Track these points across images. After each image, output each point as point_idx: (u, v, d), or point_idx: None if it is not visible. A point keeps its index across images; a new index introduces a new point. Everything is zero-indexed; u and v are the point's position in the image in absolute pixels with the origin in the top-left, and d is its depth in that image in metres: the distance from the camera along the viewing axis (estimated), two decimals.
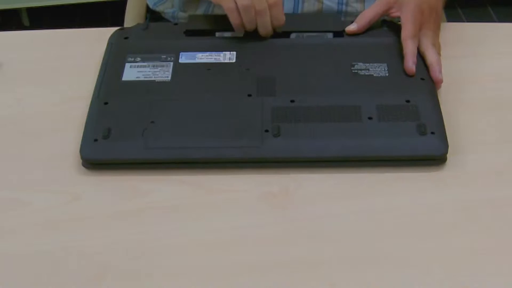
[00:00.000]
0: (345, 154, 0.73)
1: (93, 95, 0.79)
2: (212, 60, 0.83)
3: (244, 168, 0.73)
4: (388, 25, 0.88)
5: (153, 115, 0.76)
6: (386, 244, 0.67)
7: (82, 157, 0.74)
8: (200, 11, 1.01)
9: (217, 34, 0.88)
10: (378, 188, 0.72)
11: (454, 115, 0.79)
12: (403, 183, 0.72)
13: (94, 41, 0.90)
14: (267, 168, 0.74)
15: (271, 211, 0.70)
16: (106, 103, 0.78)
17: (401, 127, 0.74)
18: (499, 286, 0.64)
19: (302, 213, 0.70)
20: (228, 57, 0.84)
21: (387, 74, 0.81)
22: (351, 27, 0.87)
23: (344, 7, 0.99)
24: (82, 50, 0.90)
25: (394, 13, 0.87)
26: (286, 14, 0.85)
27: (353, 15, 0.93)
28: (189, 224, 0.69)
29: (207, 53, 0.84)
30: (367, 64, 0.82)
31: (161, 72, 0.82)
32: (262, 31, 0.85)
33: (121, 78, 0.81)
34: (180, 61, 0.83)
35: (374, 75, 0.81)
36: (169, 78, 0.81)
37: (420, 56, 0.82)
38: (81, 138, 0.75)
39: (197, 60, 0.83)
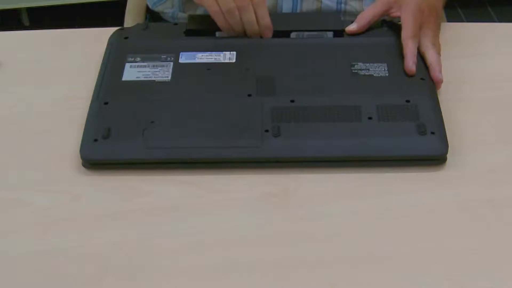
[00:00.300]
0: (345, 154, 0.73)
1: (93, 95, 0.79)
2: (212, 60, 0.83)
3: (244, 168, 0.73)
4: (388, 25, 0.88)
5: (153, 115, 0.76)
6: (386, 244, 0.67)
7: (82, 157, 0.74)
8: (199, 11, 1.01)
9: (217, 34, 0.88)
10: (378, 188, 0.72)
11: (454, 115, 0.79)
12: (403, 183, 0.72)
13: (94, 41, 0.90)
14: (267, 168, 0.74)
15: (271, 211, 0.70)
16: (106, 103, 0.78)
17: (401, 127, 0.74)
18: (499, 286, 0.64)
19: (302, 213, 0.70)
20: (228, 57, 0.84)
21: (387, 74, 0.81)
22: (351, 27, 0.87)
23: (343, 6, 0.99)
24: (82, 50, 0.90)
25: (394, 13, 0.87)
26: (286, 13, 0.85)
27: (352, 14, 0.93)
28: (189, 224, 0.69)
29: (207, 53, 0.84)
30: (367, 64, 0.82)
31: (161, 72, 0.82)
32: (248, 28, 0.85)
33: (121, 78, 0.81)
34: (180, 61, 0.83)
35: (374, 75, 0.81)
36: (169, 78, 0.81)
37: (420, 56, 0.82)
38: (81, 138, 0.75)
39: (197, 60, 0.83)
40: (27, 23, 2.24)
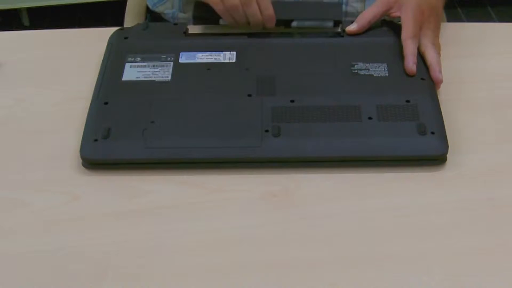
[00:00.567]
0: (345, 154, 0.73)
1: (93, 95, 0.79)
2: (212, 60, 0.83)
3: (244, 168, 0.73)
4: (388, 25, 0.88)
5: (153, 115, 0.76)
6: (386, 244, 0.67)
7: (82, 157, 0.74)
8: None
9: (221, 21, 0.90)
10: (378, 188, 0.72)
11: (454, 115, 0.79)
12: (403, 183, 0.72)
13: (94, 41, 0.90)
14: (267, 168, 0.74)
15: (271, 211, 0.70)
16: (106, 103, 0.78)
17: (401, 127, 0.74)
18: (499, 286, 0.64)
19: (302, 213, 0.70)
20: (228, 57, 0.84)
21: (387, 74, 0.81)
22: (352, 27, 0.87)
23: (344, 7, 0.99)
24: (82, 50, 0.90)
25: (394, 13, 0.87)
26: (287, 2, 0.87)
27: (354, 15, 0.93)
28: (189, 224, 0.69)
29: (207, 53, 0.84)
30: (367, 64, 0.82)
31: (161, 72, 0.82)
32: (252, 20, 0.87)
33: (121, 78, 0.81)
34: (180, 61, 0.83)
35: (374, 75, 0.81)
36: (169, 78, 0.81)
37: (420, 56, 0.82)
38: (81, 138, 0.75)
39: (197, 60, 0.83)
40: (27, 23, 2.24)
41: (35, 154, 0.76)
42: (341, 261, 0.65)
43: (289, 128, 0.74)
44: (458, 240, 0.67)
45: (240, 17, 0.87)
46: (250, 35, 0.88)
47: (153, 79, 0.81)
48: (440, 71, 0.81)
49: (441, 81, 0.81)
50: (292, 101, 0.77)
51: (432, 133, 0.74)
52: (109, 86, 0.80)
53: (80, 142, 0.74)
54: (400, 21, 0.85)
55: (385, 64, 0.82)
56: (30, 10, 2.24)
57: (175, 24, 0.93)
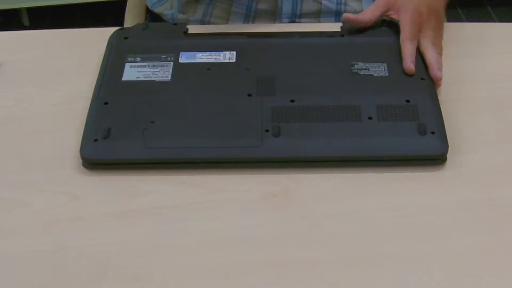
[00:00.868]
0: (345, 153, 0.73)
1: (93, 95, 0.79)
2: (212, 60, 0.83)
3: (244, 168, 0.73)
4: (388, 24, 0.88)
5: (153, 115, 0.76)
6: (386, 244, 0.67)
7: (82, 157, 0.74)
8: (198, 13, 1.01)
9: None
10: (378, 188, 0.72)
11: (454, 115, 0.79)
12: (403, 183, 0.72)
13: (94, 41, 0.90)
14: (267, 168, 0.74)
15: (271, 211, 0.70)
16: (106, 103, 0.78)
17: (401, 127, 0.74)
18: (499, 286, 0.64)
19: (302, 213, 0.70)
20: (228, 57, 0.84)
21: (387, 74, 0.81)
22: (351, 15, 0.86)
23: (342, 6, 0.99)
24: (82, 50, 0.90)
25: (392, 15, 0.87)
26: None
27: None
28: (189, 224, 0.69)
29: (207, 53, 0.84)
30: (367, 64, 0.82)
31: (161, 72, 0.82)
32: None
33: (121, 78, 0.81)
34: (180, 61, 0.83)
35: (374, 74, 0.81)
36: (169, 78, 0.81)
37: (420, 56, 0.82)
38: (81, 138, 0.75)
39: (197, 60, 0.83)
40: (27, 23, 2.24)
41: (35, 154, 0.76)
42: (341, 261, 0.65)
43: (289, 128, 0.74)
44: (458, 240, 0.67)
45: None
46: (250, 35, 0.88)
47: (153, 79, 0.81)
48: (439, 69, 0.81)
49: (440, 79, 0.81)
50: (292, 101, 0.77)
51: (432, 133, 0.74)
52: (109, 86, 0.80)
53: (80, 142, 0.74)
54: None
55: (385, 64, 0.82)
56: (30, 10, 2.24)
57: (175, 24, 0.93)
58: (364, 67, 0.81)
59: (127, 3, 1.15)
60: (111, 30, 0.90)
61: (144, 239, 0.67)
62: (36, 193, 0.72)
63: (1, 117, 0.81)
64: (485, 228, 0.68)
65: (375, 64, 0.82)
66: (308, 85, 0.79)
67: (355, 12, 0.91)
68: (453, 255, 0.66)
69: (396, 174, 0.73)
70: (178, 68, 0.82)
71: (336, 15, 1.00)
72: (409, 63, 0.80)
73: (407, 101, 0.77)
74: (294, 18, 1.00)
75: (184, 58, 0.84)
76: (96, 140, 0.74)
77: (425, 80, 0.80)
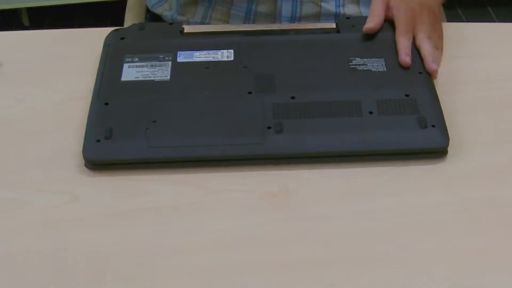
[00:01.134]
0: (348, 148, 0.73)
1: (93, 96, 0.79)
2: (210, 59, 0.83)
3: (246, 166, 0.73)
4: (385, 20, 0.88)
5: (154, 114, 0.76)
6: (386, 244, 0.67)
7: (85, 158, 0.73)
8: (198, 15, 1.01)
9: None
10: (379, 187, 0.72)
11: (454, 115, 0.79)
12: (403, 183, 0.72)
13: (94, 41, 0.90)
14: (268, 165, 0.73)
15: (271, 211, 0.70)
16: (106, 104, 0.78)
17: (402, 121, 0.74)
18: (499, 286, 0.64)
19: (302, 213, 0.70)
20: (226, 55, 0.83)
21: (385, 69, 0.81)
22: (369, 25, 0.85)
23: (341, 9, 0.99)
24: (82, 50, 0.90)
25: (387, 15, 0.87)
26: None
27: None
28: (189, 224, 0.69)
29: (205, 52, 0.84)
30: (365, 59, 0.82)
31: (160, 72, 0.82)
32: None
33: (120, 79, 0.81)
34: (178, 60, 0.83)
35: (372, 70, 0.81)
36: (168, 78, 0.81)
37: (417, 50, 0.83)
38: (81, 138, 0.75)
39: (195, 59, 0.83)
40: (27, 23, 2.24)
41: (35, 154, 0.76)
42: (341, 261, 0.65)
43: (291, 124, 0.74)
44: (458, 240, 0.67)
45: None
46: (247, 33, 0.88)
47: (152, 79, 0.81)
48: (434, 61, 0.81)
49: (435, 71, 0.81)
50: (293, 97, 0.77)
51: (433, 126, 0.74)
52: (108, 87, 0.80)
53: (80, 142, 0.74)
54: None
55: (382, 59, 0.82)
56: (30, 10, 2.23)
57: (171, 23, 0.92)
58: (362, 63, 0.82)
59: (127, 4, 1.15)
60: (110, 30, 0.89)
61: (144, 239, 0.67)
62: (36, 193, 0.72)
63: (1, 117, 0.81)
64: (485, 228, 0.68)
65: (373, 60, 0.82)
66: (308, 82, 0.79)
67: (354, 15, 0.91)
68: (453, 255, 0.66)
69: (397, 173, 0.73)
70: (177, 68, 0.82)
71: (336, 17, 1.00)
72: (404, 56, 0.81)
73: (406, 95, 0.77)
74: (293, 21, 1.00)
75: (182, 57, 0.84)
76: (98, 141, 0.74)
77: (423, 74, 0.80)
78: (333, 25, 0.89)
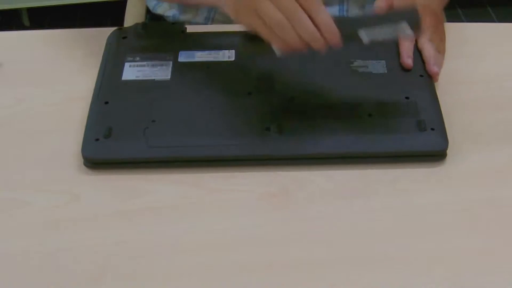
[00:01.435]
0: (347, 150, 0.73)
1: (93, 95, 0.79)
2: (211, 59, 0.83)
3: (246, 166, 0.73)
4: None
5: (154, 114, 0.76)
6: (386, 244, 0.67)
7: (84, 157, 0.73)
8: (201, 15, 1.01)
9: (276, 51, 0.73)
10: (379, 188, 0.72)
11: (454, 115, 0.79)
12: (403, 183, 0.72)
13: (94, 41, 0.90)
14: (268, 165, 0.73)
15: (271, 211, 0.70)
16: (106, 103, 0.78)
17: (401, 124, 0.74)
18: (499, 286, 0.64)
19: (302, 213, 0.70)
20: (227, 55, 0.84)
21: (385, 71, 0.81)
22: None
23: (346, 14, 0.99)
24: (82, 50, 0.90)
25: None
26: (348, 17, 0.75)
27: None
28: (189, 224, 0.69)
29: (206, 52, 0.84)
30: (366, 61, 0.82)
31: (161, 71, 0.82)
32: (308, 38, 0.69)
33: (121, 78, 0.81)
34: (179, 60, 0.83)
35: (373, 72, 0.81)
36: (169, 77, 0.81)
37: (419, 53, 0.83)
38: (81, 138, 0.75)
39: (196, 59, 0.83)
40: (27, 23, 2.24)
41: (35, 154, 0.76)
42: (341, 261, 0.65)
43: (290, 125, 0.74)
44: (458, 240, 0.67)
45: (290, 36, 0.68)
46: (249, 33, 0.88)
47: (153, 78, 0.81)
48: (435, 64, 0.81)
49: (437, 74, 0.81)
50: (292, 98, 0.77)
51: (432, 129, 0.74)
52: (109, 86, 0.80)
53: (80, 142, 0.74)
54: None
55: (383, 61, 0.82)
56: (30, 10, 2.23)
57: (173, 23, 0.92)
58: (363, 65, 0.82)
59: (127, 3, 1.15)
60: (110, 30, 0.90)
61: (144, 239, 0.67)
62: (36, 193, 0.72)
63: (1, 117, 0.81)
64: (485, 228, 0.68)
65: (374, 62, 0.82)
66: (308, 83, 0.79)
67: None
68: (453, 255, 0.66)
69: (396, 173, 0.73)
70: (178, 67, 0.82)
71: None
72: (406, 58, 0.81)
73: (407, 98, 0.77)
74: None
75: (183, 57, 0.84)
76: (97, 139, 0.74)
77: (424, 77, 0.80)
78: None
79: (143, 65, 0.82)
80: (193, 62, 0.83)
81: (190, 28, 0.90)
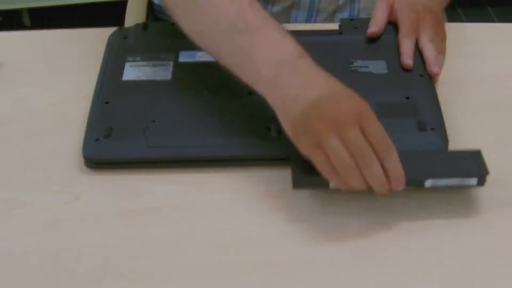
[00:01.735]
0: None
1: (94, 95, 0.79)
2: (212, 59, 0.83)
3: (246, 166, 0.73)
4: (388, 22, 0.88)
5: (154, 114, 0.76)
6: (386, 244, 0.67)
7: (84, 156, 0.73)
8: None
9: (331, 185, 0.67)
10: None
11: (454, 115, 0.79)
12: None
13: (94, 41, 0.90)
14: (268, 165, 0.73)
15: (271, 211, 0.70)
16: (107, 103, 0.78)
17: (401, 124, 0.74)
18: (499, 286, 0.64)
19: (301, 213, 0.70)
20: None
21: (386, 71, 0.81)
22: (372, 29, 0.85)
23: (356, 3, 0.99)
24: (82, 50, 0.90)
25: (391, 17, 0.87)
26: (416, 154, 0.70)
27: (366, 10, 0.94)
28: (189, 224, 0.69)
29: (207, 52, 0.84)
30: (366, 61, 0.82)
31: (161, 71, 0.82)
32: (374, 183, 0.65)
33: (122, 78, 0.81)
34: (180, 60, 0.83)
35: (373, 72, 0.81)
36: (169, 77, 0.81)
37: (419, 53, 0.83)
38: (81, 138, 0.75)
39: (197, 59, 0.83)
40: (28, 24, 2.24)
41: (36, 154, 0.76)
42: (341, 261, 0.65)
43: None
44: (458, 240, 0.67)
45: (356, 180, 0.64)
46: None
47: (153, 78, 0.81)
48: (436, 64, 0.81)
49: (437, 74, 0.81)
50: None
51: (432, 129, 0.74)
52: (109, 86, 0.80)
53: (81, 142, 0.74)
54: None
55: (384, 61, 0.82)
56: (31, 10, 2.24)
57: (174, 23, 0.92)
58: (364, 65, 0.81)
59: (128, 4, 1.15)
60: (111, 30, 0.90)
61: (144, 239, 0.67)
62: (37, 193, 0.72)
63: (2, 117, 0.81)
64: (486, 228, 0.68)
65: (374, 62, 0.82)
66: None
67: (369, 8, 0.91)
68: (453, 255, 0.66)
69: None
70: (178, 67, 0.82)
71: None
72: (406, 58, 0.81)
73: (407, 98, 0.77)
74: None
75: (184, 57, 0.84)
76: (98, 139, 0.74)
77: (424, 77, 0.80)
78: (336, 27, 0.89)
79: (144, 65, 0.82)
80: (193, 62, 0.83)
81: None
